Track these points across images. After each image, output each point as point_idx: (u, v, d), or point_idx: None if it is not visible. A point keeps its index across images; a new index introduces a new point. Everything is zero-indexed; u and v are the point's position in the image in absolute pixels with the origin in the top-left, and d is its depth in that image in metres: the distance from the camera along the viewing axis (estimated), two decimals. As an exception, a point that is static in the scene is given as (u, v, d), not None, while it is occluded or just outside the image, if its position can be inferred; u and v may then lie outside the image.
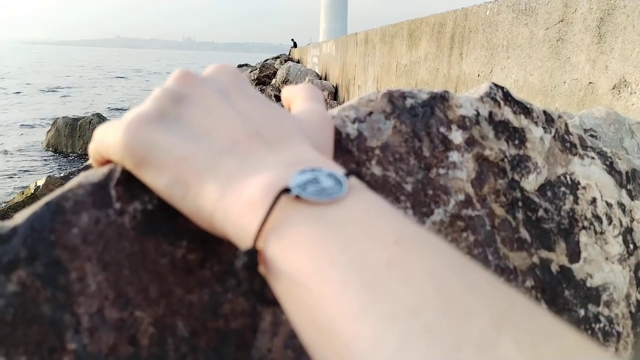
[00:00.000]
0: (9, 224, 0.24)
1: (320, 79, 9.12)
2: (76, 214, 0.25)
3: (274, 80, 10.02)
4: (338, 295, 0.17)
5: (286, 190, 0.20)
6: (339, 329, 0.16)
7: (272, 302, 0.21)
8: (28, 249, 0.24)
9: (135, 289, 0.25)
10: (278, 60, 15.82)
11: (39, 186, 3.94)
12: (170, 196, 0.24)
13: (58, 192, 0.26)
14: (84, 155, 6.18)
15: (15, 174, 5.63)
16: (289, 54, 18.94)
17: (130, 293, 0.25)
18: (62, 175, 4.49)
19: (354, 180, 0.22)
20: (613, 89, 1.72)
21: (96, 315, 0.24)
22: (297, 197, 0.20)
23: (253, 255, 0.20)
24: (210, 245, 0.27)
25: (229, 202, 0.22)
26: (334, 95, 7.69)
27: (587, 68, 1.86)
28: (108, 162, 0.28)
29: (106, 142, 0.26)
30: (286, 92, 0.34)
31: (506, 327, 0.15)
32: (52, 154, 6.72)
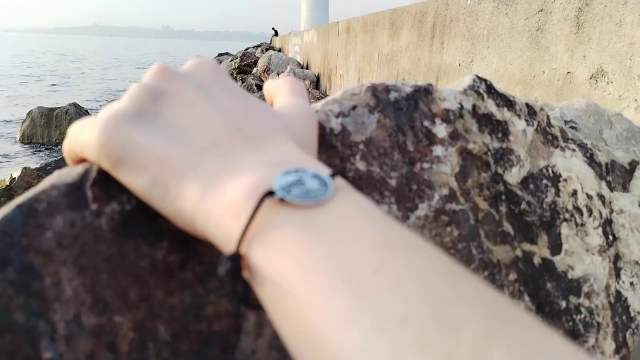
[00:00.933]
0: (-22, 228, 0.23)
1: (302, 68, 9.06)
2: (50, 217, 0.24)
3: (255, 69, 9.92)
4: (325, 303, 0.16)
5: (270, 193, 0.20)
6: (325, 338, 0.16)
7: (257, 307, 0.20)
8: (-1, 254, 0.23)
9: (114, 293, 0.24)
10: (259, 49, 15.65)
11: (14, 178, 3.84)
12: (149, 197, 0.23)
13: (30, 193, 0.25)
14: (60, 145, 6.03)
15: (-12, 167, 5.47)
16: (270, 43, 18.76)
17: (109, 297, 0.24)
18: (38, 166, 4.38)
19: (339, 180, 0.22)
20: (590, 78, 1.74)
21: (73, 322, 0.23)
22: (282, 200, 0.20)
23: (236, 260, 0.19)
24: (191, 246, 0.26)
25: (211, 204, 0.21)
26: (316, 84, 7.65)
27: (565, 58, 1.88)
28: (83, 160, 0.27)
29: (81, 140, 0.25)
30: (268, 86, 0.33)
31: (498, 337, 0.14)
32: (28, 145, 6.55)
